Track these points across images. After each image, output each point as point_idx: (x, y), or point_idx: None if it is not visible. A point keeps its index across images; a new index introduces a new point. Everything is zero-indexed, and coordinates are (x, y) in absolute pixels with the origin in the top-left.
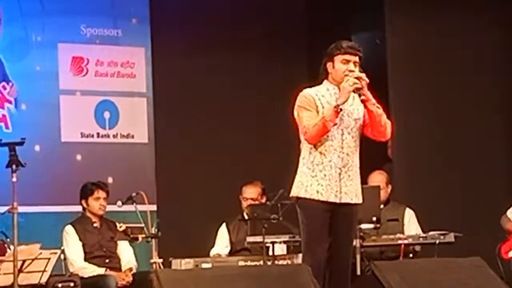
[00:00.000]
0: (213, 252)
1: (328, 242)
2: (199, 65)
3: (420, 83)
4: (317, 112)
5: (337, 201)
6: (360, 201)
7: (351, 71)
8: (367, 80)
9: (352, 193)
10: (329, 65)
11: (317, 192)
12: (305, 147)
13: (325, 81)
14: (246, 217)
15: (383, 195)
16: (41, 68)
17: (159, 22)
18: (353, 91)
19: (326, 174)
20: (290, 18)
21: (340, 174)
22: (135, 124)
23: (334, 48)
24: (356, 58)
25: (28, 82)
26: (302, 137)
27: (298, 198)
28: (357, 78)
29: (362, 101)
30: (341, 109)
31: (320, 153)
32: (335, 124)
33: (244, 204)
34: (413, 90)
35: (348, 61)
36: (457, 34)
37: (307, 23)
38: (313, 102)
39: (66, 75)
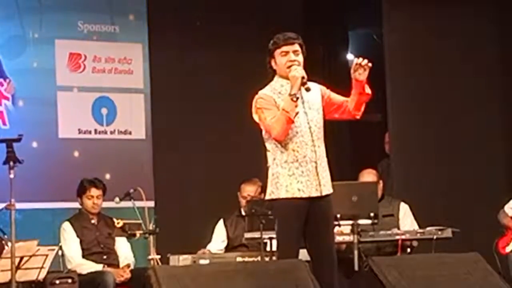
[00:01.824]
0: (208, 247)
1: (310, 237)
2: (196, 61)
3: (418, 79)
4: (278, 109)
5: (318, 194)
6: (332, 190)
7: (292, 61)
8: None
9: (328, 184)
10: (272, 62)
11: (299, 190)
12: (274, 148)
13: (275, 78)
14: (243, 213)
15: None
16: (38, 64)
17: (156, 18)
18: (302, 85)
19: (304, 171)
20: (288, 14)
21: (316, 167)
22: (133, 120)
23: (272, 45)
24: (295, 47)
25: (25, 78)
26: (266, 137)
27: (277, 199)
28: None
29: (357, 79)
30: (297, 98)
31: (293, 150)
32: (297, 114)
33: (243, 202)
34: (410, 86)
35: (287, 52)
36: (455, 30)
37: (304, 19)
38: (272, 100)
39: (63, 71)
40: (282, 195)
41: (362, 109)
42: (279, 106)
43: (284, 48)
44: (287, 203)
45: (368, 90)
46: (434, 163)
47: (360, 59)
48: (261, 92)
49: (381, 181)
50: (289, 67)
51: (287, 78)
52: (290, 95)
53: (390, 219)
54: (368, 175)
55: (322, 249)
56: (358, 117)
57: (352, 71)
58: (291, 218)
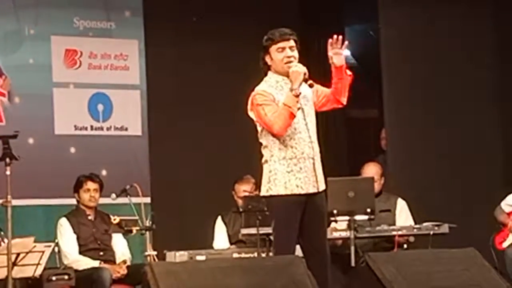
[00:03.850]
0: (216, 246)
1: (304, 233)
2: (192, 57)
3: (414, 74)
4: (277, 105)
5: (315, 191)
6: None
7: (289, 56)
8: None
9: (323, 180)
10: (267, 58)
11: (297, 186)
12: (272, 144)
13: (270, 74)
14: (240, 209)
15: (377, 187)
16: (34, 61)
17: (152, 14)
18: (304, 81)
19: (302, 167)
20: (283, 10)
21: (314, 164)
22: (129, 116)
23: (267, 41)
24: (291, 42)
25: (22, 75)
26: (263, 134)
27: (276, 196)
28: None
29: (338, 69)
30: (300, 93)
31: (291, 146)
32: (299, 109)
33: (239, 201)
34: (406, 82)
35: (283, 48)
36: (450, 25)
37: (301, 15)
38: (271, 96)
39: (60, 67)
40: (281, 192)
41: (347, 93)
42: (278, 102)
43: (281, 44)
44: (285, 200)
45: (348, 72)
46: (430, 159)
47: (331, 40)
48: (258, 89)
49: (383, 178)
50: (286, 62)
51: (283, 74)
52: (291, 90)
53: (387, 215)
54: (374, 167)
55: (316, 245)
56: (345, 102)
57: (330, 60)
58: (290, 214)
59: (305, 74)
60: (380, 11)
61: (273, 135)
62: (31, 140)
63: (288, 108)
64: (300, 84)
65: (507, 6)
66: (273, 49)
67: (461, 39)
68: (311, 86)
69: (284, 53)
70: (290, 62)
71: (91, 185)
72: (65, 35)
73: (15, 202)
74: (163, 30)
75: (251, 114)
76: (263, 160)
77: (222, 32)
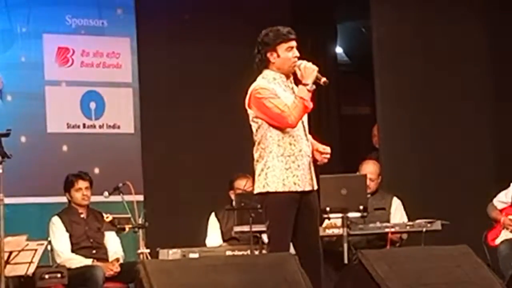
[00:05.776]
0: (209, 243)
1: (297, 231)
2: (185, 54)
3: (406, 72)
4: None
5: (310, 188)
6: None
7: (296, 56)
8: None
9: (315, 178)
10: (270, 54)
11: (295, 183)
12: (270, 141)
13: (266, 71)
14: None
15: (373, 186)
16: (26, 59)
17: (144, 12)
18: (317, 80)
19: (300, 164)
20: (275, 7)
21: (309, 162)
22: (121, 114)
23: (275, 37)
24: (295, 43)
25: (13, 73)
26: (264, 128)
27: (273, 193)
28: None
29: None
30: (314, 88)
31: (290, 144)
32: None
33: (233, 197)
34: (399, 79)
35: (292, 47)
36: (443, 23)
37: (292, 12)
38: (274, 91)
39: (52, 65)
40: (279, 189)
41: None
42: (279, 97)
43: (291, 43)
44: (282, 197)
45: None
46: (422, 156)
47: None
48: (260, 84)
49: (380, 177)
50: (293, 62)
51: (284, 72)
52: (305, 85)
53: (381, 213)
54: (373, 165)
55: (309, 243)
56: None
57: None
58: (286, 211)
59: (317, 71)
60: (372, 8)
61: (282, 128)
62: (23, 138)
63: (304, 101)
64: (313, 81)
65: (501, 5)
66: (282, 46)
67: (454, 37)
68: (325, 83)
69: (293, 52)
70: (296, 62)
71: (82, 183)
72: (57, 33)
73: (7, 200)
74: (155, 27)
75: (250, 110)
76: (257, 157)
77: (214, 30)
